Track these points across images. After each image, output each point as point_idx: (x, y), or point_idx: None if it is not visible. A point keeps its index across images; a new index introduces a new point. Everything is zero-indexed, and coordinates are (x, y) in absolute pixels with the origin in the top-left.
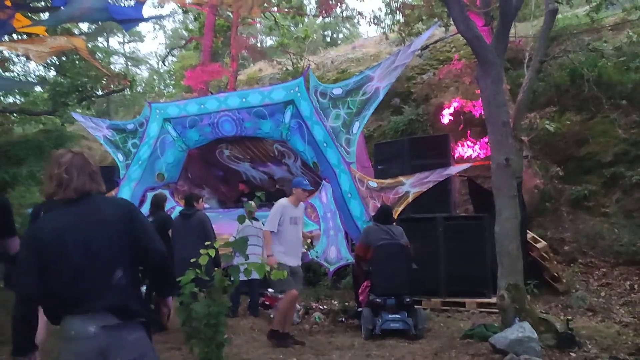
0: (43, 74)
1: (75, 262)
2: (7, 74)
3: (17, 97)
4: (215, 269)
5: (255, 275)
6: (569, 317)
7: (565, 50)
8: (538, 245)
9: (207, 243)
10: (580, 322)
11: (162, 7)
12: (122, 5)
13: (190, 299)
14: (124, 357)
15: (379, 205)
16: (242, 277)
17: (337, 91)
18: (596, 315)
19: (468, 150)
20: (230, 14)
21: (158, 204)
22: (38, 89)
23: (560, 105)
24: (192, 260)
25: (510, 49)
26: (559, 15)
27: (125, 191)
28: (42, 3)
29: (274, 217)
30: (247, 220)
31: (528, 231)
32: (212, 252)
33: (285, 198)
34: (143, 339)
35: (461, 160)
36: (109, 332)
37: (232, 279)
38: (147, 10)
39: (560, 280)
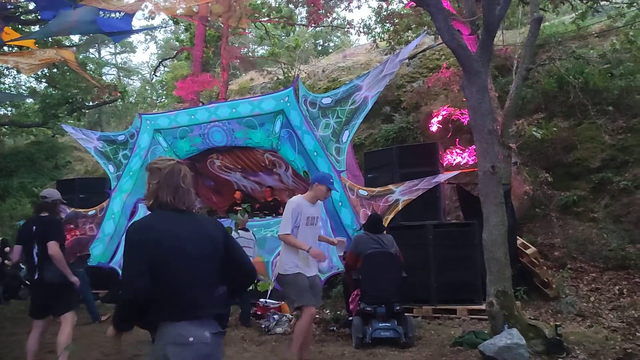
0: (34, 85)
1: (194, 270)
2: None
3: (8, 109)
4: None
5: None
6: (558, 323)
7: (552, 58)
8: (528, 251)
9: None
10: (570, 328)
11: (152, 18)
12: (111, 17)
13: None
14: None
15: (369, 214)
16: None
17: (327, 100)
18: (585, 320)
19: (457, 157)
20: (220, 25)
21: None
22: (29, 100)
23: (548, 111)
24: None
25: (499, 57)
26: (546, 23)
27: (117, 202)
28: (32, 16)
29: (289, 217)
30: (234, 232)
31: (518, 237)
32: None
33: (299, 195)
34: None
35: (450, 167)
36: (216, 339)
37: None
38: (137, 22)
39: (550, 286)
